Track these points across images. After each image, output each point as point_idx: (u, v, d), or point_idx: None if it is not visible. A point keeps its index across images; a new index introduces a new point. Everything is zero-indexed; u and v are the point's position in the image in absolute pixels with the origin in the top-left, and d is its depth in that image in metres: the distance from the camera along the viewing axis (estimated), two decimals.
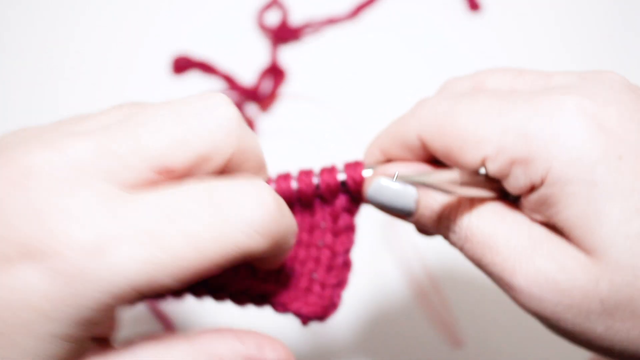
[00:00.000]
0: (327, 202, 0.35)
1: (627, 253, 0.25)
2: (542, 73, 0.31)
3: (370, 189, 0.32)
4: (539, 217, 0.29)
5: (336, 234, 0.35)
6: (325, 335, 0.53)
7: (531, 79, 0.31)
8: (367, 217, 0.39)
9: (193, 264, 0.23)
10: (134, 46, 0.65)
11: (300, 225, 0.36)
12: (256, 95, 0.63)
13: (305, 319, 0.34)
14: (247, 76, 0.64)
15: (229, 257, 0.23)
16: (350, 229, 0.36)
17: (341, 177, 0.34)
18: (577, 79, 0.29)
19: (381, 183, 0.31)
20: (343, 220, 0.35)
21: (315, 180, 0.35)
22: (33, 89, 0.62)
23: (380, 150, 0.34)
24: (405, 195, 0.31)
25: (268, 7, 0.66)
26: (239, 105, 0.62)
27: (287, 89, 0.64)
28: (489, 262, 0.29)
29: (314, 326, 0.52)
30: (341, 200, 0.35)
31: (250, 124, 0.61)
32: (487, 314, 0.53)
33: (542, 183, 0.27)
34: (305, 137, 0.58)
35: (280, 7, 0.66)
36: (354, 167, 0.34)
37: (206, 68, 0.63)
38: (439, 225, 0.31)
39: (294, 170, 0.35)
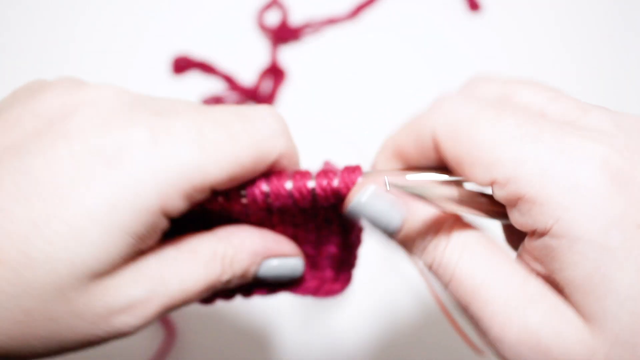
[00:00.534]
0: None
1: (629, 330, 0.24)
2: (578, 104, 0.28)
3: (352, 202, 0.29)
4: (539, 268, 0.27)
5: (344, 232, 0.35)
6: (346, 346, 0.53)
7: (565, 108, 0.28)
8: None
9: (235, 159, 0.28)
10: (134, 46, 0.65)
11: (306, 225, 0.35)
12: (256, 95, 0.63)
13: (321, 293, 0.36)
14: (247, 76, 0.64)
15: (261, 151, 0.29)
16: (358, 229, 0.35)
17: (335, 183, 0.31)
18: (613, 125, 0.27)
19: (367, 193, 0.28)
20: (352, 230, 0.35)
21: (311, 185, 0.32)
22: None
23: (395, 144, 0.32)
24: (390, 211, 0.28)
25: (268, 7, 0.66)
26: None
27: (287, 89, 0.64)
28: (476, 311, 0.27)
29: (333, 339, 0.52)
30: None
31: None
32: None
33: (546, 231, 0.25)
34: (305, 137, 0.58)
35: (280, 7, 0.66)
36: (349, 172, 0.31)
37: (206, 68, 0.63)
38: (423, 252, 0.29)
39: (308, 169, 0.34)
